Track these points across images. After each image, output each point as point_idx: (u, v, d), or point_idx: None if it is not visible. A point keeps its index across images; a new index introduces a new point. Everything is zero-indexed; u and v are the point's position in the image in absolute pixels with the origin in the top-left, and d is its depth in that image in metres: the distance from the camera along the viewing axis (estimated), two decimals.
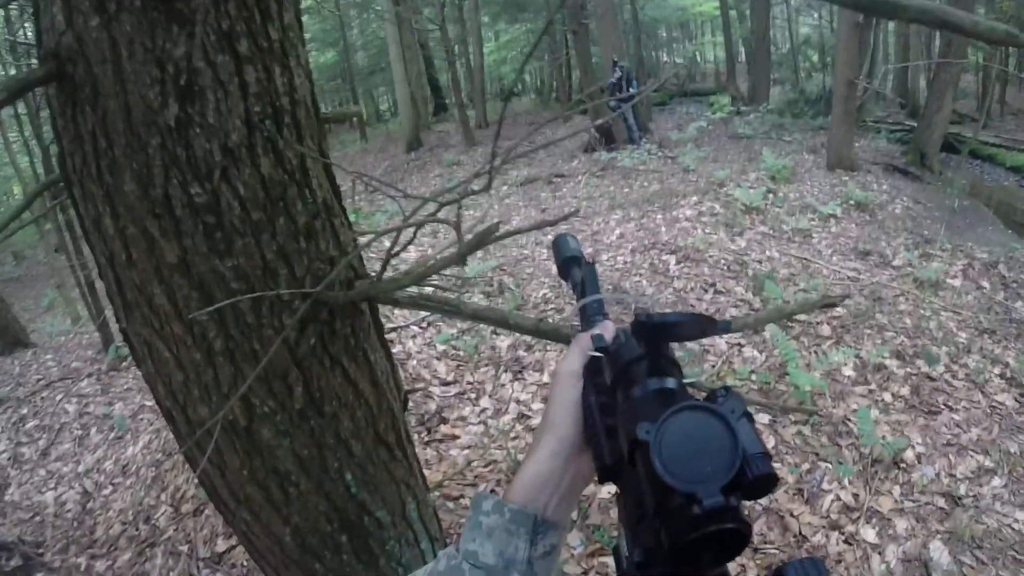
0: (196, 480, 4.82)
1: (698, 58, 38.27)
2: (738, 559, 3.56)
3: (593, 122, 14.97)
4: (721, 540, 0.63)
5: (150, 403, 5.74)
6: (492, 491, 3.85)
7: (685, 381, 0.83)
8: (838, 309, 6.12)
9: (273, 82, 1.41)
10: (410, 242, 1.29)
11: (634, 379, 0.80)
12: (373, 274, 1.55)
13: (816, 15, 23.75)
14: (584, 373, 0.91)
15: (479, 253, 7.70)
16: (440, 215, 1.30)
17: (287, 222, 1.46)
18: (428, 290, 1.65)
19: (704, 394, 0.74)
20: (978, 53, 18.64)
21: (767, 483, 0.64)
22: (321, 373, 1.61)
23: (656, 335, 0.83)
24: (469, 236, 1.17)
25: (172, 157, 1.33)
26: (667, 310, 5.88)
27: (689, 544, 0.62)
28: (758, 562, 3.44)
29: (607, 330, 0.94)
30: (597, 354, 0.90)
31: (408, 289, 1.47)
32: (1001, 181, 15.66)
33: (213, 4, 1.29)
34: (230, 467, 1.68)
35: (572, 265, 1.12)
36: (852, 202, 9.65)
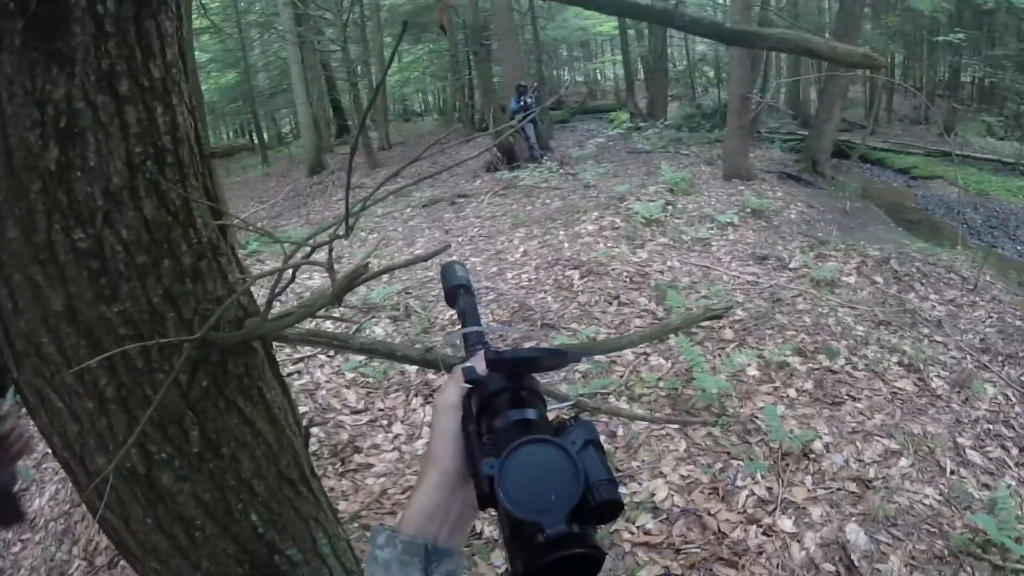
0: (104, 530, 4.63)
1: (598, 76, 39.02)
2: (661, 561, 3.66)
3: (494, 141, 15.11)
4: (571, 565, 0.66)
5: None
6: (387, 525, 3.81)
7: (560, 405, 0.87)
8: (739, 312, 6.34)
9: (155, 122, 1.39)
10: (290, 282, 1.29)
11: (497, 410, 0.83)
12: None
13: None
14: (462, 404, 0.92)
15: (384, 277, 7.66)
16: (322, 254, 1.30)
17: (172, 264, 1.43)
18: (326, 323, 1.64)
19: (574, 416, 0.78)
20: None
21: (611, 508, 0.69)
22: (216, 415, 1.58)
23: (514, 369, 0.86)
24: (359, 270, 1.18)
25: (54, 202, 1.30)
26: (521, 337, 6.02)
27: (538, 571, 0.66)
28: (681, 562, 3.52)
29: (480, 361, 0.95)
30: (468, 386, 0.93)
31: (298, 325, 1.47)
32: (890, 183, 16.57)
33: (93, 43, 1.27)
34: (134, 516, 1.63)
35: (458, 293, 1.14)
36: (749, 210, 10.00)
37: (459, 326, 1.09)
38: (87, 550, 4.64)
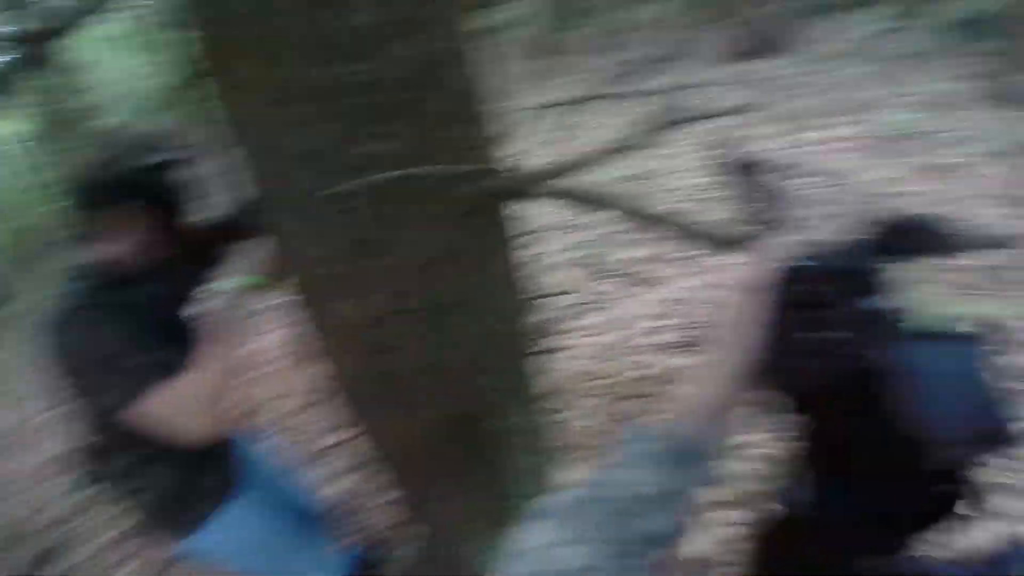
0: (324, 375, 5.02)
1: None
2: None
3: None
4: (960, 497, 0.52)
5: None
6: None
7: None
8: None
9: None
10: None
11: (859, 293, 0.67)
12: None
13: None
14: (775, 286, 0.80)
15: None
16: None
17: (446, 104, 1.39)
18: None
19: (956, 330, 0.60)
20: None
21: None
22: (466, 268, 1.56)
23: (897, 242, 0.68)
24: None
25: (325, 36, 1.26)
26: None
27: (929, 499, 0.51)
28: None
29: (803, 238, 0.82)
30: (805, 264, 0.78)
31: (564, 184, 1.38)
32: None
33: None
34: (359, 361, 1.66)
35: (752, 168, 0.98)
36: None
37: (752, 201, 0.95)
38: (302, 390, 5.01)
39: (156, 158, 1.87)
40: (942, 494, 0.52)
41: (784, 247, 0.81)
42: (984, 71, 12.76)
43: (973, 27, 17.25)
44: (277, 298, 1.94)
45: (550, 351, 4.30)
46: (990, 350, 0.56)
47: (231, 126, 1.45)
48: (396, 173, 1.34)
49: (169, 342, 1.89)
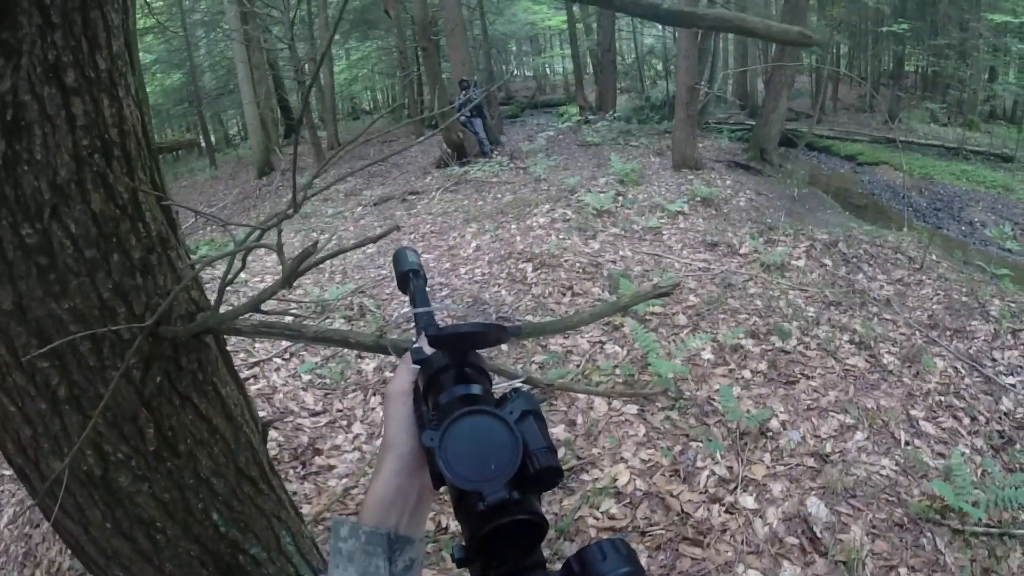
0: (69, 550, 4.53)
1: (547, 71, 39.15)
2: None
3: (444, 138, 15.10)
4: (514, 533, 0.68)
5: (8, 472, 5.37)
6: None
7: (510, 382, 0.87)
8: (691, 298, 6.44)
9: (102, 114, 1.36)
10: (240, 270, 1.27)
11: (442, 387, 0.84)
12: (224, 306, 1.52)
13: (659, 26, 24.86)
14: (413, 388, 0.93)
15: (338, 276, 7.62)
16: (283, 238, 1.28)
17: (122, 258, 1.40)
18: (272, 317, 1.61)
19: (514, 388, 0.79)
20: (811, 56, 20.18)
21: (551, 475, 0.70)
22: (171, 412, 1.55)
23: (455, 345, 0.87)
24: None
25: (1, 197, 1.26)
26: (473, 320, 6.00)
27: (482, 538, 0.67)
28: (647, 544, 3.55)
29: (425, 341, 0.95)
30: (417, 367, 0.93)
31: (251, 318, 1.45)
32: (837, 169, 17.09)
33: (40, 34, 1.23)
34: (92, 521, 1.59)
35: (410, 278, 1.13)
36: (698, 198, 10.18)
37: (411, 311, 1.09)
38: (49, 572, 4.57)
39: None
40: (503, 534, 0.68)
41: (411, 350, 0.95)
42: (662, 147, 14.52)
43: (645, 113, 19.49)
44: None
45: (308, 475, 4.26)
46: (524, 408, 0.75)
47: None
48: (74, 337, 1.34)
49: None
